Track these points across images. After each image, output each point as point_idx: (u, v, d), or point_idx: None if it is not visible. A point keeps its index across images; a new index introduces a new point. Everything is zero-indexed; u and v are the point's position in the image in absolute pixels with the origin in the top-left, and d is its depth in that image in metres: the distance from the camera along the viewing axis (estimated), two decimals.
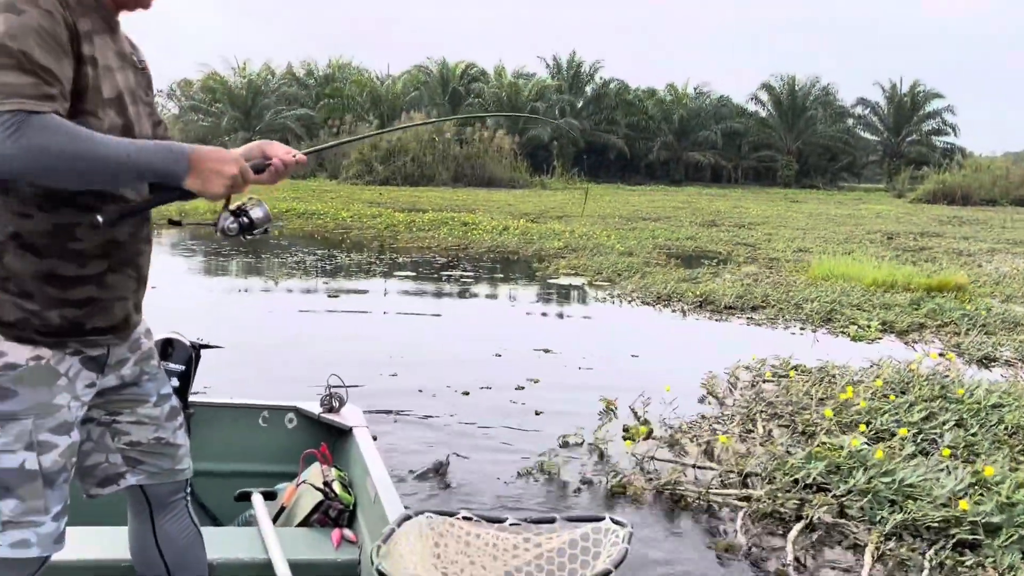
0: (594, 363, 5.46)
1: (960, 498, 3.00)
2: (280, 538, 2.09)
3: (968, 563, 2.66)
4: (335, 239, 12.51)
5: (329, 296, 7.66)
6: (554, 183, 35.40)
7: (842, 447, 3.53)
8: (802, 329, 6.82)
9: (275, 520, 2.28)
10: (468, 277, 9.22)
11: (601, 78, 46.68)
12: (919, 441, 3.75)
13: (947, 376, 4.82)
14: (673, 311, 7.50)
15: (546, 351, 5.75)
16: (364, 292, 8.05)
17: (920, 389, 4.51)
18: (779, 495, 3.16)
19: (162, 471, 1.71)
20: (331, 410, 2.69)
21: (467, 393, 4.61)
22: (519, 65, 45.10)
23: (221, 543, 2.03)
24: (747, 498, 3.21)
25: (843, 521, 3.00)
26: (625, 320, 7.21)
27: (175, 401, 1.76)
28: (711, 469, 3.59)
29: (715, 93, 49.39)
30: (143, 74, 1.63)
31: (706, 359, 5.78)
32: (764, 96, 47.84)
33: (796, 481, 3.27)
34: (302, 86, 44.54)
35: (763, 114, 48.53)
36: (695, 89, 48.98)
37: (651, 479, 3.41)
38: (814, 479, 3.24)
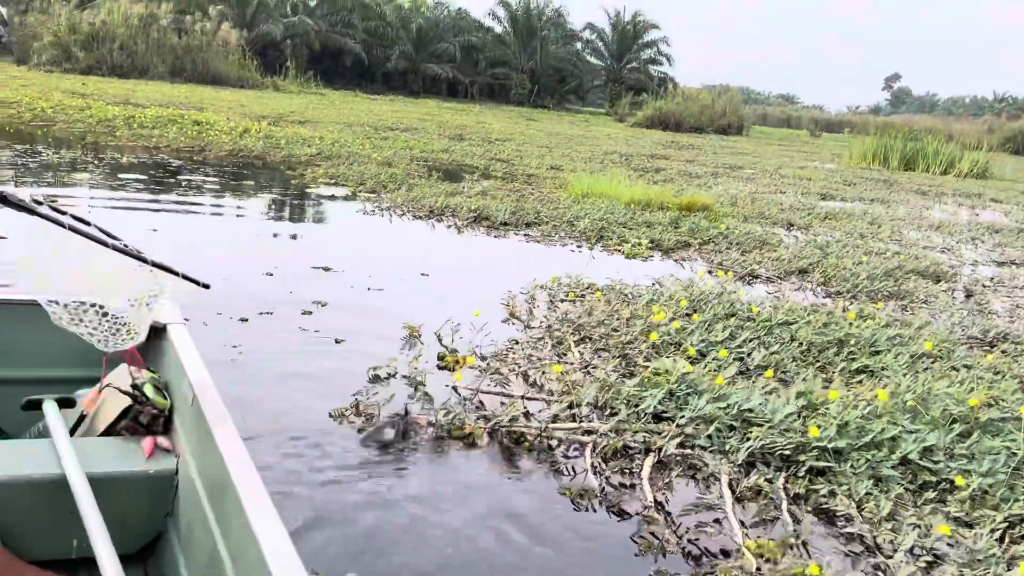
0: (382, 283, 4.92)
1: (793, 421, 2.99)
2: (78, 449, 1.85)
3: (823, 492, 2.62)
4: (34, 133, 10.44)
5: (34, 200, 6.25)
6: (289, 85, 33.12)
7: (668, 372, 3.40)
8: (579, 246, 6.78)
9: (74, 431, 2.05)
10: (213, 184, 8.09)
11: None
12: (731, 361, 3.75)
13: (733, 294, 4.96)
14: (448, 226, 7.11)
15: (326, 269, 5.10)
16: (86, 198, 6.70)
17: (713, 308, 4.58)
18: (624, 427, 2.94)
19: None
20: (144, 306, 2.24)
21: (245, 319, 3.89)
22: None
23: (5, 457, 1.82)
24: (590, 432, 2.96)
25: (692, 452, 2.85)
26: (402, 235, 6.70)
27: None
28: (541, 400, 3.30)
29: (453, 5, 48.88)
30: None
31: (497, 278, 5.50)
32: (501, 13, 48.16)
33: (636, 412, 3.08)
34: None
35: (499, 31, 48.97)
36: None
37: (483, 417, 3.04)
38: (654, 408, 3.07)
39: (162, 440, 1.96)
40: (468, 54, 46.78)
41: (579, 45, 51.00)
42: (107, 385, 2.09)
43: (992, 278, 6.91)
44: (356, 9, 43.99)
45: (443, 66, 45.58)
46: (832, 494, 2.61)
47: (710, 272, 6.10)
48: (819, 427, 2.85)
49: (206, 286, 2.14)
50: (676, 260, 6.56)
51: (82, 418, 2.10)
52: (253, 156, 10.38)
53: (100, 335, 2.21)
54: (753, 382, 3.43)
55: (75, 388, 2.23)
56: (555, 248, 6.67)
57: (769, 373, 3.48)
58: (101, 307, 2.23)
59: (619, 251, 6.70)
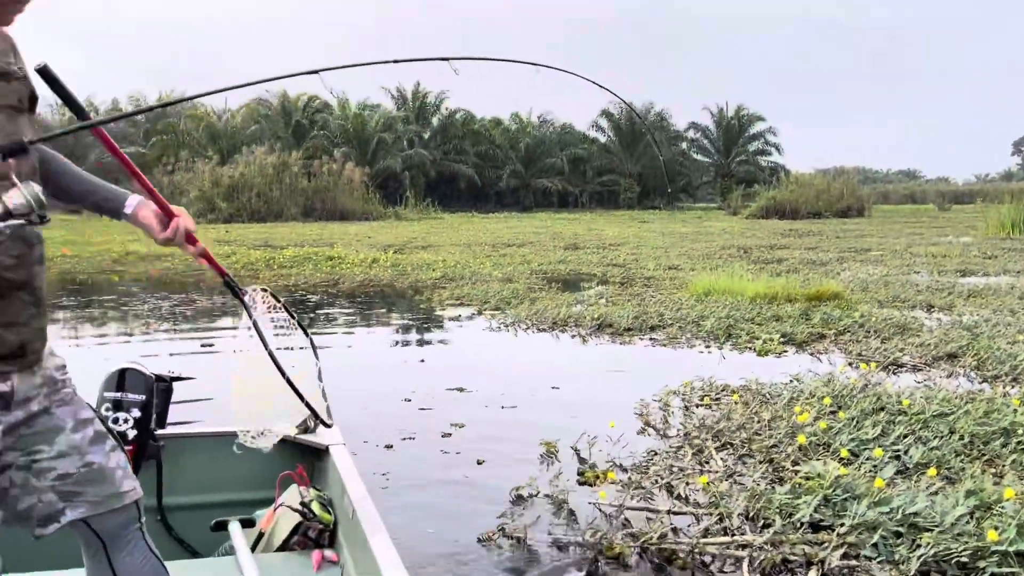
0: (515, 399, 5.00)
1: (966, 524, 2.78)
2: (259, 565, 2.08)
3: None
4: (188, 282, 11.40)
5: (203, 346, 6.77)
6: (409, 213, 34.88)
7: (821, 476, 3.25)
8: (707, 347, 6.67)
9: (254, 547, 2.26)
10: (349, 314, 8.54)
11: (447, 108, 46.78)
12: (887, 460, 3.55)
13: (879, 386, 4.73)
14: (573, 336, 7.19)
15: (460, 390, 5.24)
16: (229, 337, 7.20)
17: (859, 403, 4.37)
18: (782, 540, 2.82)
19: (103, 498, 1.60)
20: (306, 431, 2.59)
21: (390, 446, 4.03)
22: (363, 96, 44.33)
23: (199, 575, 2.02)
24: (744, 546, 2.85)
25: (858, 563, 2.69)
26: (529, 349, 6.81)
27: (98, 425, 1.64)
28: (687, 514, 3.22)
29: (558, 121, 50.76)
30: (14, 80, 1.51)
31: (627, 386, 5.48)
32: (604, 123, 49.59)
33: (791, 521, 2.95)
34: (131, 122, 41.68)
35: (604, 140, 50.26)
36: (539, 118, 50.13)
37: (631, 535, 2.99)
38: (810, 517, 2.93)
39: (328, 553, 2.14)
40: (575, 165, 48.14)
41: (684, 144, 51.56)
42: (281, 504, 2.31)
43: None
44: (467, 136, 46.40)
45: (552, 179, 46.99)
46: None
47: (850, 364, 5.85)
48: (996, 529, 2.63)
49: (328, 425, 2.35)
50: (812, 354, 6.34)
51: (260, 535, 2.32)
52: (383, 284, 10.91)
53: (274, 459, 2.54)
54: (915, 482, 3.23)
55: (254, 509, 2.49)
56: (683, 350, 6.59)
57: (933, 471, 3.27)
58: (275, 433, 2.46)
59: (750, 348, 6.55)
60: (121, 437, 2.32)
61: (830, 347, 6.53)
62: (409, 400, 5.02)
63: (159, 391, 2.51)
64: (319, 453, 2.62)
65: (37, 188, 1.35)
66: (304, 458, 2.61)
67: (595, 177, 49.55)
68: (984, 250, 15.79)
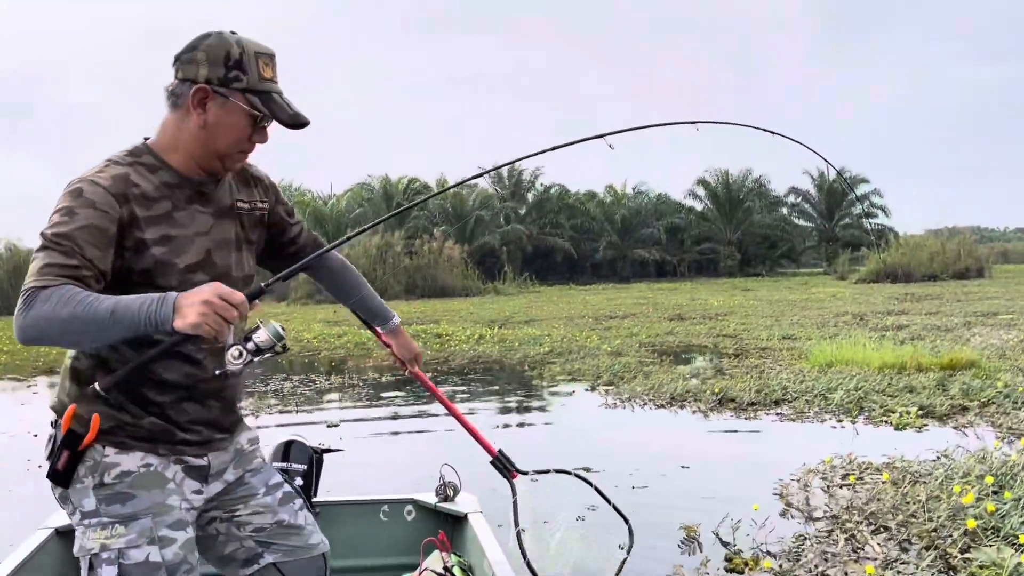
0: (645, 479, 4.87)
1: None
2: None
3: None
4: (303, 362, 11.77)
5: (328, 426, 6.94)
6: (507, 288, 35.25)
7: (998, 565, 3.00)
8: (839, 421, 6.37)
9: None
10: (462, 392, 8.59)
11: (542, 184, 47.56)
12: None
13: None
14: (693, 411, 7.00)
15: (586, 469, 5.14)
16: (366, 420, 7.34)
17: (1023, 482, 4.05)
18: None
19: (295, 548, 1.88)
20: (446, 499, 2.82)
21: (524, 530, 3.96)
22: (460, 176, 45.63)
23: None
24: None
25: None
26: (651, 426, 6.67)
27: (287, 488, 1.94)
28: None
29: (653, 191, 50.78)
30: (249, 215, 1.87)
31: (760, 465, 5.26)
32: (700, 191, 49.27)
33: None
34: None
35: (700, 208, 49.84)
36: (634, 188, 50.28)
37: None
38: None
39: None
40: (672, 235, 47.83)
41: (785, 210, 50.56)
42: (425, 569, 2.43)
43: None
44: (562, 210, 46.95)
45: (649, 249, 46.79)
46: None
47: (1002, 439, 5.46)
48: None
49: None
50: (955, 427, 5.95)
51: None
52: (492, 360, 10.97)
53: (418, 526, 2.81)
54: None
55: (400, 573, 2.64)
56: (813, 425, 6.31)
57: None
58: (417, 502, 2.86)
59: (885, 422, 6.21)
60: None
61: (975, 420, 6.12)
62: (535, 480, 4.95)
63: (316, 462, 2.77)
64: (459, 520, 2.79)
65: (277, 324, 1.63)
66: (445, 525, 2.75)
67: (693, 246, 49.03)
68: None
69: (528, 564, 2.26)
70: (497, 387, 9.06)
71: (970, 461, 4.60)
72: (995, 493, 3.99)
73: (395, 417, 7.38)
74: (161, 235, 1.67)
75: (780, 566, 3.39)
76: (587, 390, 8.38)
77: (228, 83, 1.66)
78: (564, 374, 9.33)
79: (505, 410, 7.65)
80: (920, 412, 6.34)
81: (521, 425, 6.93)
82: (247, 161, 1.84)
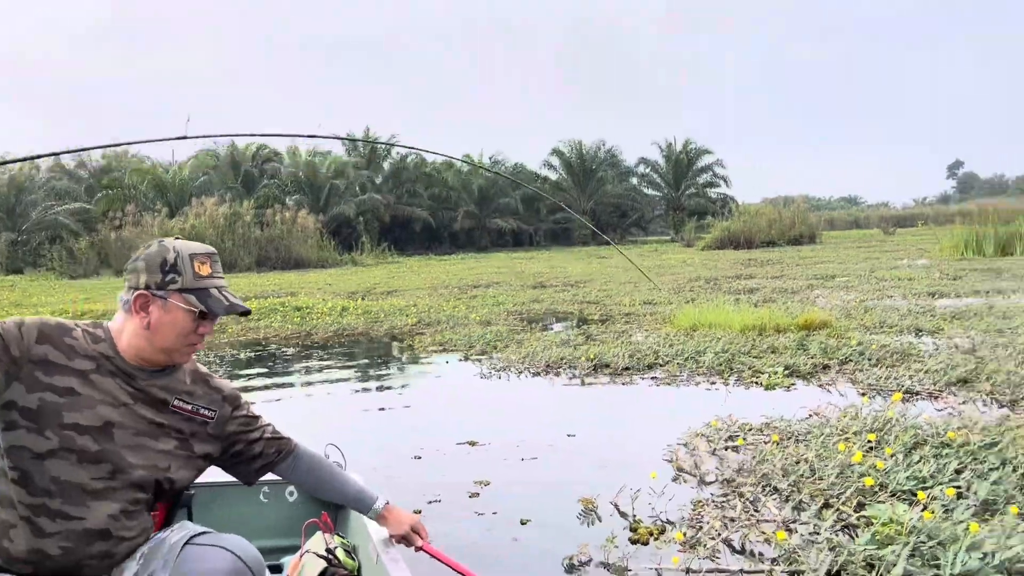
0: (533, 450, 4.70)
1: None
2: None
3: None
4: None
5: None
6: (365, 259, 34.45)
7: (895, 522, 3.04)
8: (712, 383, 6.48)
9: None
10: (329, 367, 8.15)
11: (398, 153, 46.64)
12: (957, 500, 3.35)
13: (918, 418, 4.57)
14: (570, 378, 6.93)
15: (471, 444, 4.93)
16: None
17: (900, 437, 4.20)
18: None
19: None
20: None
21: (419, 511, 3.69)
22: (313, 143, 43.91)
23: None
24: None
25: None
26: (529, 395, 6.53)
27: None
28: (759, 572, 2.96)
29: (509, 161, 51.01)
30: (188, 418, 2.01)
31: (645, 429, 5.24)
32: (555, 161, 50.00)
33: (879, 574, 2.72)
34: (74, 179, 40.62)
35: (556, 178, 50.60)
36: (490, 159, 50.28)
37: None
38: (906, 570, 2.70)
39: None
40: (529, 204, 48.30)
41: (635, 180, 52.21)
42: (306, 551, 2.39)
43: None
44: (420, 179, 46.30)
45: (507, 219, 47.07)
46: None
47: (864, 395, 5.70)
48: None
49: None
50: (821, 386, 6.18)
51: None
52: (358, 333, 10.54)
53: (300, 507, 2.75)
54: (1000, 522, 3.02)
55: (281, 556, 2.64)
56: (688, 388, 6.39)
57: (1015, 509, 3.08)
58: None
59: (756, 383, 6.37)
60: None
61: (837, 378, 6.39)
62: (419, 458, 4.69)
63: None
64: None
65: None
66: (329, 507, 2.66)
67: (548, 215, 49.78)
68: (946, 272, 16.06)
69: None
70: (367, 360, 8.67)
71: (844, 419, 4.74)
72: (870, 450, 4.10)
73: (267, 388, 6.87)
74: (65, 386, 1.79)
75: (684, 534, 3.31)
76: (461, 360, 8.16)
77: (165, 286, 1.88)
78: (435, 345, 9.06)
79: (379, 385, 7.30)
80: (786, 372, 6.55)
81: (395, 397, 6.61)
82: (209, 373, 2.10)
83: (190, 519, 2.45)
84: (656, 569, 3.03)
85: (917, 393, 5.67)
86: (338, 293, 17.07)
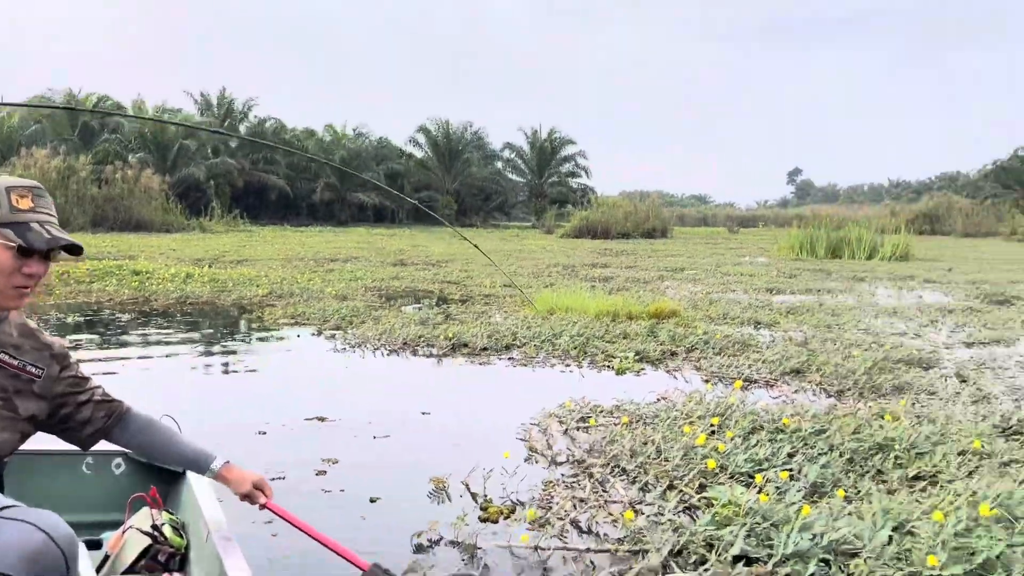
0: (385, 428, 4.59)
1: (887, 546, 2.77)
2: None
3: None
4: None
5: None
6: (215, 225, 32.80)
7: (733, 503, 3.16)
8: (566, 366, 6.58)
9: (99, 570, 2.22)
10: (169, 336, 7.65)
11: (256, 116, 44.74)
12: (790, 483, 3.53)
13: (756, 404, 4.80)
14: (427, 356, 6.85)
15: (320, 419, 4.74)
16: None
17: (739, 422, 4.39)
18: None
19: None
20: None
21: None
22: (161, 100, 41.27)
23: None
24: None
25: None
26: (384, 372, 6.39)
27: None
28: (605, 551, 3.00)
29: (374, 135, 50.01)
30: (13, 375, 1.90)
31: (500, 409, 5.25)
32: (422, 139, 49.48)
33: (721, 558, 2.81)
34: None
35: (421, 156, 50.09)
36: (354, 130, 49.12)
37: None
38: (743, 550, 2.81)
39: None
40: (393, 180, 47.55)
41: (500, 164, 52.55)
42: (129, 527, 2.26)
43: (972, 359, 6.98)
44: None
45: (369, 194, 46.12)
46: None
47: (707, 381, 5.96)
48: (929, 552, 2.63)
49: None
50: (668, 371, 6.41)
51: (107, 558, 2.26)
52: (202, 302, 9.97)
53: (127, 481, 2.59)
54: (827, 503, 3.21)
55: (102, 531, 2.47)
56: (544, 370, 6.45)
57: (841, 492, 3.28)
58: (128, 455, 2.60)
59: (608, 367, 6.53)
60: None
61: (683, 364, 6.65)
62: (264, 433, 4.47)
63: None
64: (175, 476, 2.60)
65: None
66: (159, 481, 2.54)
67: (412, 193, 49.21)
68: (782, 270, 17.16)
69: None
70: (212, 330, 8.22)
71: (689, 404, 4.92)
72: (712, 433, 4.28)
73: (99, 357, 6.33)
74: None
75: (537, 515, 3.31)
76: (314, 334, 7.89)
77: None
78: (287, 317, 8.71)
79: (224, 357, 6.92)
80: (637, 357, 6.75)
81: (241, 370, 6.29)
82: (38, 328, 1.99)
83: (1, 491, 2.24)
84: (506, 547, 3.02)
85: (755, 381, 5.99)
86: (183, 259, 16.14)
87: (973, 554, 2.66)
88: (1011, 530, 2.86)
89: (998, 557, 2.65)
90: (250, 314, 9.06)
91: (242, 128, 44.43)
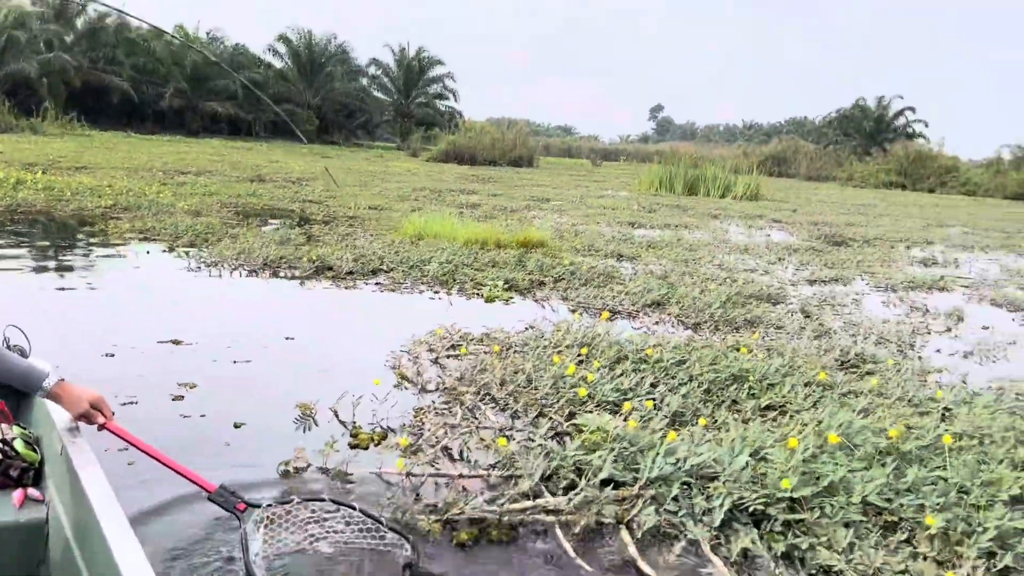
0: (246, 352, 4.39)
1: (744, 471, 2.94)
2: None
3: (804, 547, 2.56)
4: None
5: None
6: (49, 127, 29.98)
7: (602, 430, 3.25)
8: (435, 292, 6.52)
9: None
10: (1, 247, 6.96)
11: (95, 11, 40.60)
12: (654, 411, 3.67)
13: (622, 335, 4.93)
14: (290, 279, 6.59)
15: (175, 342, 4.47)
16: None
17: (605, 352, 4.51)
18: (591, 502, 2.73)
19: None
20: None
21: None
22: None
23: None
24: (554, 511, 2.72)
25: (667, 520, 2.70)
26: (244, 294, 6.09)
27: None
28: (477, 477, 3.02)
29: (230, 40, 46.88)
30: None
31: (367, 335, 5.15)
32: (282, 48, 46.83)
33: (591, 481, 2.89)
34: None
35: (281, 66, 47.47)
36: (208, 34, 45.82)
37: (432, 508, 2.71)
38: (610, 474, 2.90)
39: (32, 491, 2.00)
40: (250, 91, 44.88)
41: (365, 80, 50.68)
42: None
43: (815, 296, 7.48)
44: (121, 45, 40.89)
45: (224, 104, 43.42)
46: (811, 547, 2.56)
47: (573, 311, 6.08)
48: (782, 475, 2.81)
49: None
50: (536, 301, 6.48)
51: None
52: (36, 211, 9.12)
53: None
54: (689, 430, 3.35)
55: None
56: (412, 296, 6.36)
57: (703, 420, 3.43)
58: None
59: (477, 295, 6.52)
60: None
61: (550, 294, 6.74)
62: (112, 355, 4.17)
63: None
64: None
65: None
66: (8, 395, 2.38)
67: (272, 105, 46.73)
68: (642, 204, 17.67)
69: None
70: (48, 243, 7.54)
71: (558, 333, 4.99)
72: (581, 363, 4.37)
73: None
74: None
75: (409, 441, 3.27)
76: (164, 251, 7.40)
77: None
78: (134, 232, 8.12)
79: (63, 273, 6.37)
80: (506, 286, 6.77)
81: (83, 287, 5.82)
82: None
83: None
84: (377, 473, 2.97)
85: (619, 312, 6.16)
86: (11, 163, 14.67)
87: (819, 478, 2.86)
88: (851, 456, 3.11)
89: (841, 480, 2.87)
90: (92, 227, 8.37)
91: (80, 23, 40.38)
